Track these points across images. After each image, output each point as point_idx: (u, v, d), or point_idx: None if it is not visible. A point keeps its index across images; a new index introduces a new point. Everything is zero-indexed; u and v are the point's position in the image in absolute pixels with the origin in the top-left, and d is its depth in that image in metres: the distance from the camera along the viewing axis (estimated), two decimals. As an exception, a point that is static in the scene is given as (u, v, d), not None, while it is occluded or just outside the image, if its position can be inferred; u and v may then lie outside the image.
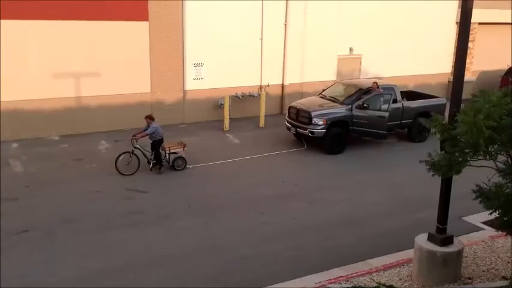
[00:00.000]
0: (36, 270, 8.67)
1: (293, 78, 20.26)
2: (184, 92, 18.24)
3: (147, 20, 16.93)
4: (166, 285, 8.40)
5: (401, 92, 17.21)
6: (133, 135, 13.34)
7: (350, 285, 8.14)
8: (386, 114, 15.65)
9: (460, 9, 8.06)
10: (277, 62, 19.86)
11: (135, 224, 10.52)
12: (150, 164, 13.39)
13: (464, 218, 11.21)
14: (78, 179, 12.79)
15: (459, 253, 8.41)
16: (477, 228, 10.78)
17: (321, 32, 20.44)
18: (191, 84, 18.30)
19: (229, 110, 17.92)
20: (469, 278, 8.59)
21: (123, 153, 13.29)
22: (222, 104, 18.18)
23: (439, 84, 24.49)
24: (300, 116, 15.81)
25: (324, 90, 17.33)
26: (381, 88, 16.15)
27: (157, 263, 9.03)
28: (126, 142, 15.56)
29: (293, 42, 19.91)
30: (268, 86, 19.69)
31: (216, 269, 8.93)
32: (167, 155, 13.64)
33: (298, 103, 16.53)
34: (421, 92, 19.18)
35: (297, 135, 16.14)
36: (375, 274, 8.80)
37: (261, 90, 19.36)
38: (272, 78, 19.85)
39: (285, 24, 19.57)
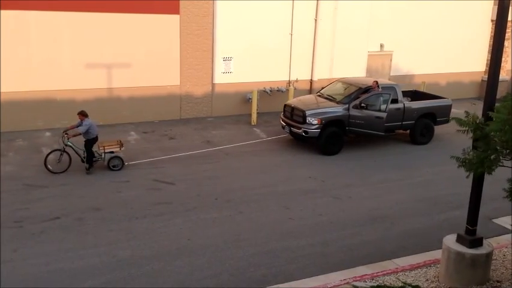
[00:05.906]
0: (66, 256, 8.87)
1: (322, 74, 20.14)
2: (213, 85, 18.34)
3: (178, 14, 17.08)
4: (192, 275, 8.52)
5: (405, 91, 16.65)
6: (65, 132, 12.52)
7: (375, 284, 8.08)
8: (384, 114, 15.08)
9: (496, 7, 7.88)
10: (306, 57, 19.78)
11: (162, 214, 10.66)
12: (84, 163, 12.71)
13: (495, 220, 11.03)
14: (107, 168, 12.99)
15: (488, 255, 8.25)
16: (507, 231, 10.53)
17: (352, 28, 20.28)
18: (220, 78, 18.39)
19: (257, 105, 17.95)
20: (498, 281, 8.43)
21: (53, 150, 12.65)
22: (250, 98, 18.22)
23: (472, 82, 24.03)
24: (295, 115, 15.29)
25: (322, 88, 16.91)
26: (381, 87, 15.58)
27: (183, 253, 9.14)
28: (156, 134, 15.82)
29: (323, 37, 19.79)
30: (296, 81, 19.65)
31: (242, 261, 8.99)
32: (103, 154, 12.86)
33: (294, 101, 16.10)
34: (426, 92, 18.70)
35: (292, 134, 15.64)
36: (400, 274, 8.72)
37: (289, 85, 19.32)
38: (301, 74, 19.79)
39: (316, 20, 19.46)
